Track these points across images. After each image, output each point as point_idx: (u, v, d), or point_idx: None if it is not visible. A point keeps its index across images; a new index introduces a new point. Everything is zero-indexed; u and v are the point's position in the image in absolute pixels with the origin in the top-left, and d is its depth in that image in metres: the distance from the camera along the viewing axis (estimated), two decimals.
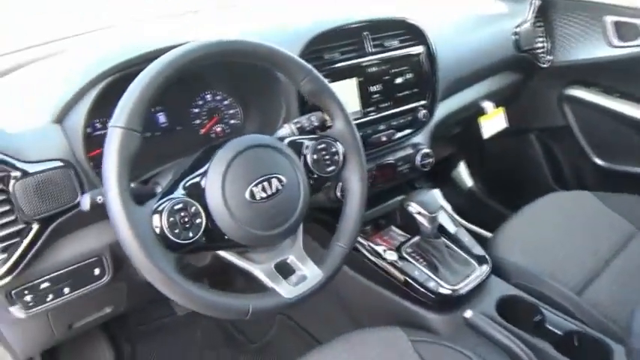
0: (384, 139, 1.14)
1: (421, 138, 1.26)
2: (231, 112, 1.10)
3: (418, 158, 1.22)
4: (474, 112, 1.52)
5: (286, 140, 0.82)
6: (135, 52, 0.82)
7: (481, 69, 1.46)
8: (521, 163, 1.89)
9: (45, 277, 0.80)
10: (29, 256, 0.74)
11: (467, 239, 1.19)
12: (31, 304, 0.80)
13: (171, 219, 0.67)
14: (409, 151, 1.23)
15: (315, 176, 0.84)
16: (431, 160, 1.24)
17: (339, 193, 1.07)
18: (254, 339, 1.55)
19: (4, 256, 0.72)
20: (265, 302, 0.74)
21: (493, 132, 1.56)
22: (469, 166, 2.08)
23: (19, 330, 0.89)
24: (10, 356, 1.00)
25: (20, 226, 0.73)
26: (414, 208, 1.09)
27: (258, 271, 0.78)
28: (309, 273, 0.80)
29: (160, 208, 0.68)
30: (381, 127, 1.14)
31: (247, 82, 1.05)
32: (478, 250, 1.17)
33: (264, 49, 0.77)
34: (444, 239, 1.16)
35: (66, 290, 0.83)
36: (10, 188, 0.71)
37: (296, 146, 0.83)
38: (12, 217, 0.72)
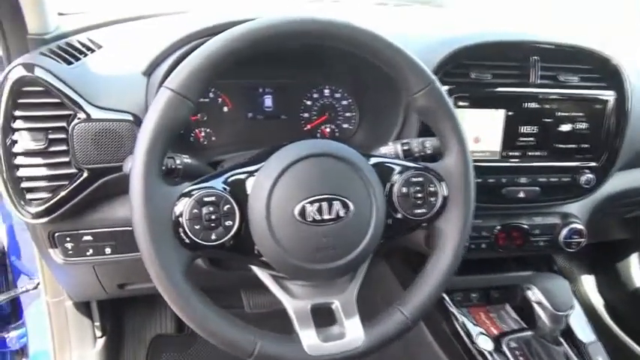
0: (521, 195, 0.88)
1: (576, 209, 0.96)
2: (347, 114, 0.96)
3: (564, 233, 0.93)
4: None
5: (373, 160, 0.64)
6: (221, 20, 0.73)
7: None
8: None
9: (89, 231, 0.76)
10: (72, 202, 0.70)
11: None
12: (70, 252, 0.77)
13: (195, 211, 0.55)
14: (554, 220, 0.94)
15: (399, 216, 0.65)
16: (582, 240, 0.93)
17: None
18: None
19: (49, 195, 0.69)
20: (277, 349, 0.58)
21: None
22: None
23: (64, 274, 0.87)
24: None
25: (72, 170, 0.69)
26: (534, 295, 0.82)
27: (289, 307, 0.62)
28: (349, 332, 0.61)
29: (189, 194, 0.56)
30: (522, 179, 0.88)
31: (371, 82, 0.89)
32: None
33: (367, 36, 0.59)
34: (567, 348, 0.87)
35: (107, 250, 0.78)
36: (70, 129, 0.67)
37: (385, 170, 0.64)
38: (66, 159, 0.68)
